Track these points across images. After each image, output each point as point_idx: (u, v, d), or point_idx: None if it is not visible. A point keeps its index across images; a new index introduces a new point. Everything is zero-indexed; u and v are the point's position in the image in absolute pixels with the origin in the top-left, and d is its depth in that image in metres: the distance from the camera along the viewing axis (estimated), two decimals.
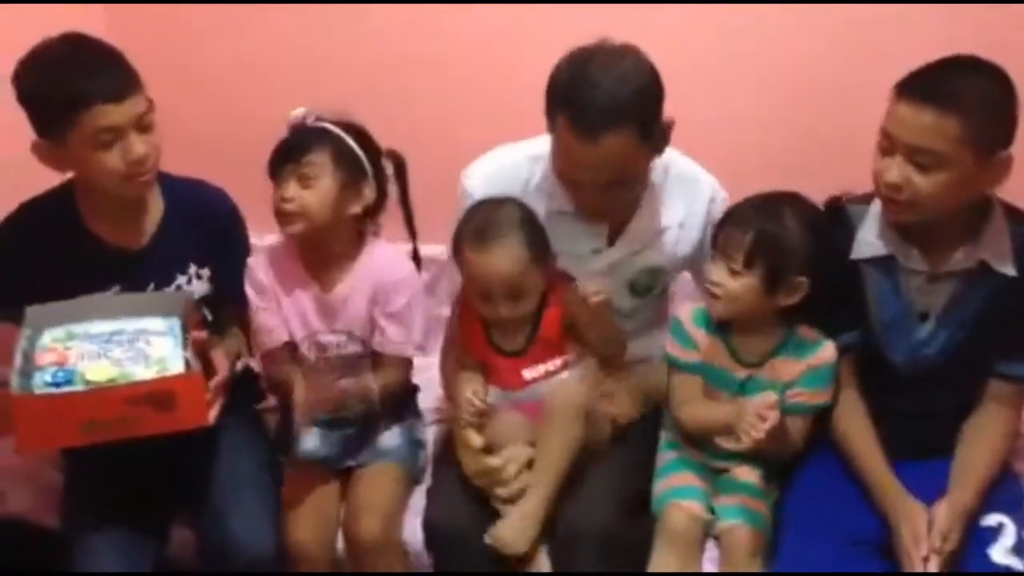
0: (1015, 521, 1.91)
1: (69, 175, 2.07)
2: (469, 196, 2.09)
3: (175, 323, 2.02)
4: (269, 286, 2.14)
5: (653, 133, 1.91)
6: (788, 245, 1.90)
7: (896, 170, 1.80)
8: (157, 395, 1.86)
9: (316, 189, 2.05)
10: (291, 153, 2.05)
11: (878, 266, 1.96)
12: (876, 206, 1.96)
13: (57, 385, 1.88)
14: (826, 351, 1.97)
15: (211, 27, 2.77)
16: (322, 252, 2.13)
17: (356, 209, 2.11)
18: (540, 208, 2.03)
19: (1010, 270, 1.90)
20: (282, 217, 2.06)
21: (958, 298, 1.93)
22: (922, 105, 1.77)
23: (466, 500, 2.00)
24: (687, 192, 2.10)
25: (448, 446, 2.14)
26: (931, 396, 1.98)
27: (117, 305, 2.04)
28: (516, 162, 2.08)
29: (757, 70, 2.54)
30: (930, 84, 1.79)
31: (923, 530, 1.86)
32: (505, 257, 1.94)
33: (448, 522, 1.99)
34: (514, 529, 1.92)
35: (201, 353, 2.00)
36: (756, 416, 1.82)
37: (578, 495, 1.96)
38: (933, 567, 1.82)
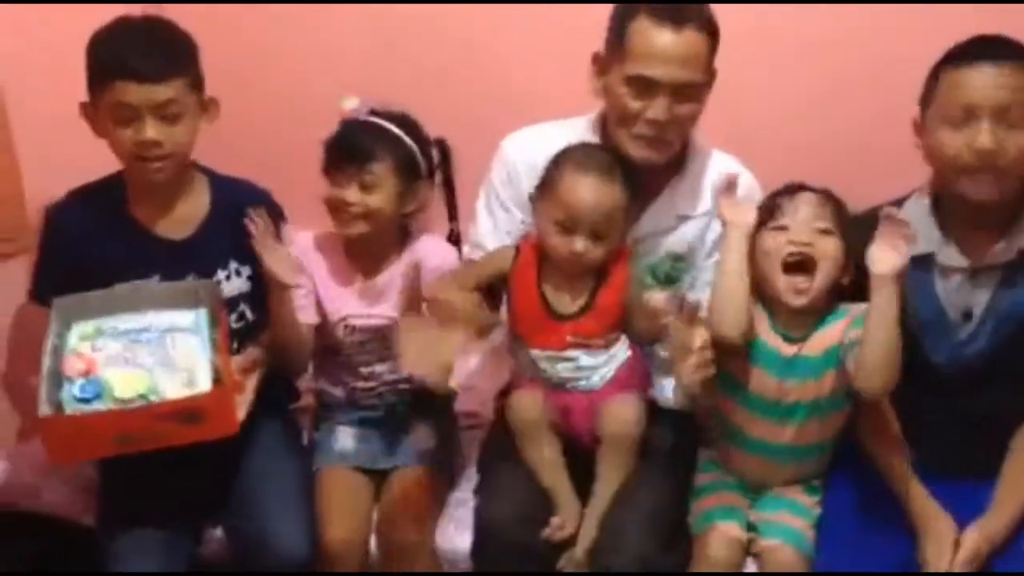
0: None
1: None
2: (508, 160, 2.12)
3: (202, 316, 2.04)
4: (307, 269, 2.15)
5: (715, 54, 1.98)
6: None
7: (989, 135, 1.79)
8: (186, 412, 1.88)
9: (379, 195, 2.09)
10: (354, 158, 2.08)
11: (916, 266, 1.92)
12: (912, 206, 1.95)
13: (86, 400, 1.89)
14: (859, 305, 1.92)
15: (249, 20, 2.75)
16: (367, 245, 2.15)
17: (412, 208, 2.15)
18: None
19: None
20: (343, 217, 2.09)
21: (1001, 294, 1.90)
22: (999, 64, 1.79)
23: (518, 497, 1.99)
24: (719, 181, 2.06)
25: (495, 445, 2.13)
26: (975, 402, 1.94)
27: (145, 297, 2.06)
28: (556, 136, 2.07)
29: (806, 67, 2.51)
30: (993, 47, 1.82)
31: (948, 548, 1.84)
32: (606, 191, 1.95)
33: (501, 519, 1.97)
34: (580, 557, 1.95)
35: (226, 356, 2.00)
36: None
37: (616, 525, 1.95)
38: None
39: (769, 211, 1.95)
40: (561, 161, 2.00)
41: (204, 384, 1.94)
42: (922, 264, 1.93)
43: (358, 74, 2.62)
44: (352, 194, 2.08)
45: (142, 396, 1.90)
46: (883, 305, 1.81)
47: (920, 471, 1.96)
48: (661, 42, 1.93)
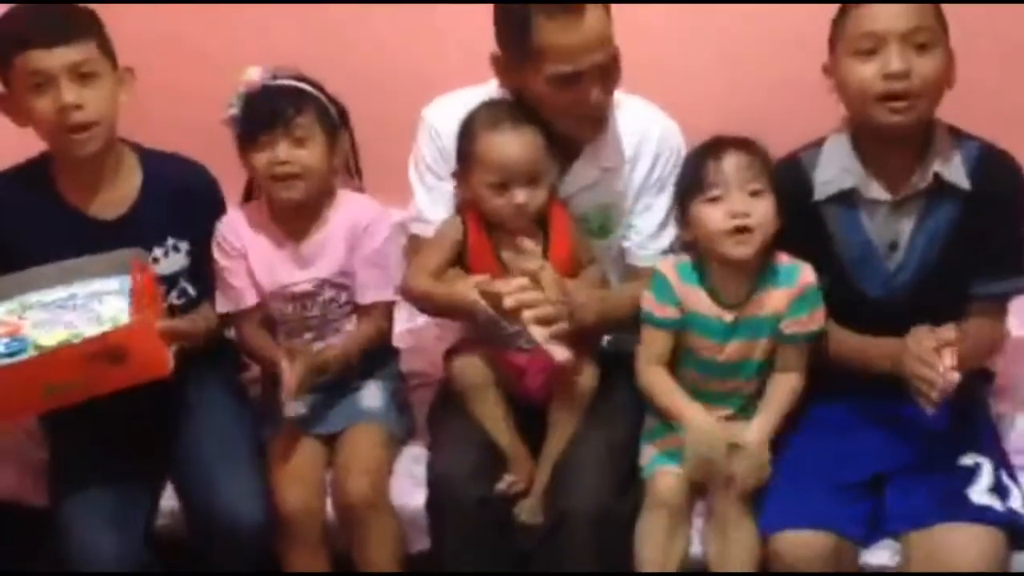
0: (992, 461, 1.95)
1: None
2: (432, 130, 2.10)
3: (127, 281, 2.03)
4: (238, 246, 2.14)
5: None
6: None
7: (898, 58, 1.83)
8: (109, 349, 1.87)
9: (311, 149, 2.08)
10: (278, 117, 2.06)
11: (840, 204, 1.98)
12: (831, 143, 2.00)
13: (11, 355, 1.89)
14: (805, 273, 1.98)
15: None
16: (295, 209, 2.14)
17: (338, 162, 2.15)
18: None
19: (964, 183, 1.93)
20: (278, 183, 2.08)
21: (923, 221, 1.96)
22: None
23: (469, 453, 2.01)
24: (638, 129, 2.11)
25: (445, 403, 2.15)
26: (907, 328, 1.95)
27: (70, 270, 2.05)
28: (476, 100, 2.07)
29: (721, 17, 2.54)
30: None
31: (925, 335, 1.85)
32: (525, 139, 1.97)
33: (453, 475, 1.99)
34: (534, 506, 1.98)
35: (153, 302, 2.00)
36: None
37: (570, 473, 1.98)
38: (948, 359, 1.79)
39: (697, 178, 1.97)
40: (470, 127, 2.01)
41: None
42: (847, 200, 1.98)
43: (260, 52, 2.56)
44: (284, 152, 2.06)
45: (64, 342, 1.90)
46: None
47: (857, 397, 2.03)
48: (571, 36, 1.90)
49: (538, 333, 1.87)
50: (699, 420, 1.97)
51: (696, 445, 1.93)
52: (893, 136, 1.90)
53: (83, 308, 1.98)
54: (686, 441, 1.94)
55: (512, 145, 1.97)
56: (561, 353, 1.89)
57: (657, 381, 2.04)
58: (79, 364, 1.86)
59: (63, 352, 1.88)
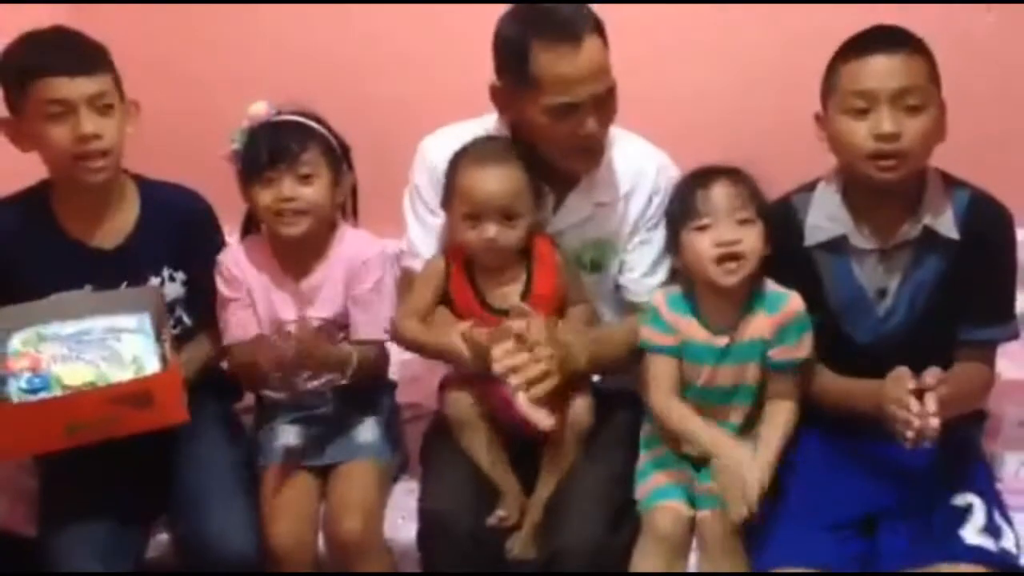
0: (984, 501, 1.95)
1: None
2: (428, 162, 2.11)
3: (145, 319, 2.03)
4: (241, 280, 2.14)
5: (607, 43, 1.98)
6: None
7: (889, 119, 1.85)
8: (136, 395, 1.88)
9: (317, 186, 2.08)
10: (284, 154, 2.06)
11: (830, 250, 2.00)
12: (822, 190, 2.01)
13: (34, 391, 1.89)
14: (793, 301, 1.99)
15: (186, 27, 2.76)
16: (296, 245, 2.14)
17: (341, 199, 2.16)
18: None
19: (954, 234, 1.94)
20: (283, 219, 2.07)
21: (912, 270, 1.97)
22: (892, 52, 1.87)
23: (461, 487, 2.01)
24: (633, 165, 2.12)
25: (438, 435, 2.14)
26: None
27: (85, 304, 2.05)
28: (474, 133, 2.08)
29: (723, 50, 2.57)
30: (886, 37, 1.90)
31: (904, 377, 1.82)
32: (504, 175, 1.98)
33: (444, 509, 1.99)
34: (526, 541, 1.97)
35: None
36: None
37: (564, 508, 1.97)
38: (931, 404, 1.76)
39: (686, 206, 1.98)
40: (456, 160, 2.03)
41: (152, 369, 1.94)
42: (837, 247, 2.00)
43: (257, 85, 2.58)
44: (289, 188, 2.06)
45: (91, 383, 1.90)
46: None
47: (850, 438, 2.02)
48: (570, 66, 1.92)
49: (523, 400, 1.89)
50: (736, 454, 1.92)
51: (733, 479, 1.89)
52: (883, 189, 1.92)
53: (100, 344, 1.98)
54: (720, 475, 1.91)
55: (488, 179, 1.98)
56: (544, 420, 1.91)
57: (684, 416, 2.01)
58: (105, 405, 1.87)
59: (90, 394, 1.89)
